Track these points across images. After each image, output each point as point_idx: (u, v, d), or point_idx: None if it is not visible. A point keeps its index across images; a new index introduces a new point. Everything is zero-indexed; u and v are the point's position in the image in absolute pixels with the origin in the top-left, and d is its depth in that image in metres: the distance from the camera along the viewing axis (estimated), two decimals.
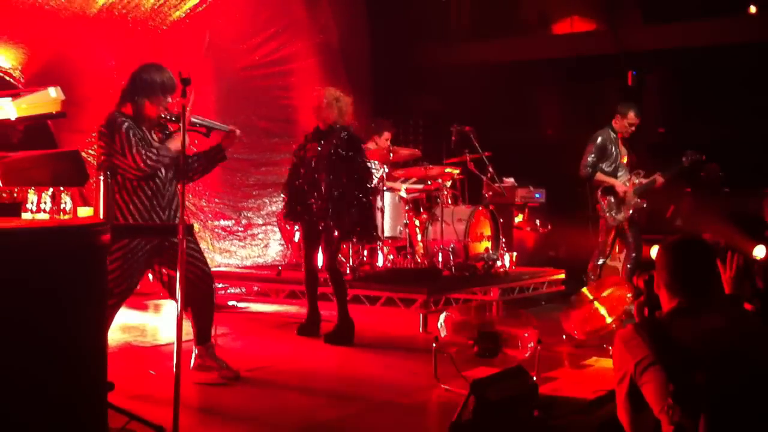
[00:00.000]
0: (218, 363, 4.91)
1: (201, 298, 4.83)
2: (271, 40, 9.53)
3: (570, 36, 11.68)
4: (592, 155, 7.51)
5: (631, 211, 7.55)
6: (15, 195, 3.61)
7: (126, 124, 4.53)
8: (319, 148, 6.15)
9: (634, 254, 7.63)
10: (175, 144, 4.62)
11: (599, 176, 7.53)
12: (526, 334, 5.05)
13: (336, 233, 6.10)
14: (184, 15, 8.46)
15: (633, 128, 7.61)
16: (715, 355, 2.57)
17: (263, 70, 9.42)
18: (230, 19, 8.84)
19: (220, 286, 7.92)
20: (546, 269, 8.60)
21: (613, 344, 2.84)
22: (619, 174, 7.60)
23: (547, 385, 4.79)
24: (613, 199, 7.53)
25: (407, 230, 7.87)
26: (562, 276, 8.55)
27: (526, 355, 4.94)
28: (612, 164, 7.57)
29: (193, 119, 4.71)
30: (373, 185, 6.70)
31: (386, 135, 7.93)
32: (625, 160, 7.65)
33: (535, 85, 11.39)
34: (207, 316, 4.90)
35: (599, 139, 7.53)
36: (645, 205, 7.62)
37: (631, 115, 7.54)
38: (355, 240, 6.68)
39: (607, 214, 7.52)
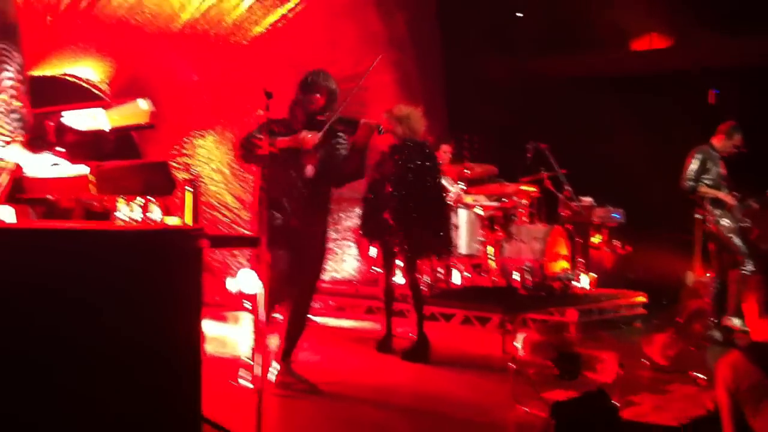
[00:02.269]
0: (296, 377, 4.95)
1: (298, 314, 4.90)
2: (348, 55, 9.58)
3: (648, 53, 11.48)
4: (694, 169, 7.36)
5: (738, 225, 7.39)
6: (105, 204, 3.68)
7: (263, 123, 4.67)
8: (393, 164, 6.15)
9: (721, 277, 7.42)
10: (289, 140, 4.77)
11: (703, 189, 7.37)
12: (606, 357, 4.93)
13: (411, 250, 6.08)
14: (264, 30, 8.58)
15: (736, 150, 7.48)
16: None
17: (340, 85, 9.47)
18: (309, 34, 8.93)
19: None
20: (626, 291, 8.41)
21: (718, 368, 2.78)
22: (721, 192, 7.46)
23: (629, 410, 4.64)
24: (720, 212, 7.37)
25: (483, 248, 7.80)
26: (643, 299, 8.35)
27: (607, 378, 4.82)
28: (711, 182, 7.40)
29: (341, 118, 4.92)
30: (447, 201, 6.66)
31: (444, 148, 7.89)
32: (725, 180, 7.49)
33: (613, 101, 11.21)
34: (298, 332, 4.97)
35: (699, 155, 7.40)
36: (749, 225, 7.45)
37: (738, 137, 7.47)
38: (430, 256, 6.65)
39: (719, 223, 7.33)
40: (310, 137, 4.80)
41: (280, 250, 4.71)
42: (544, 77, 11.21)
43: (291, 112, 4.98)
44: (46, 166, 3.40)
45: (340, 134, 5.00)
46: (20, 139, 3.37)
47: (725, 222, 7.33)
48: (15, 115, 3.36)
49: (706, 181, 7.40)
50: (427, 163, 6.16)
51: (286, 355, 4.94)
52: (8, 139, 3.32)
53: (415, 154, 6.11)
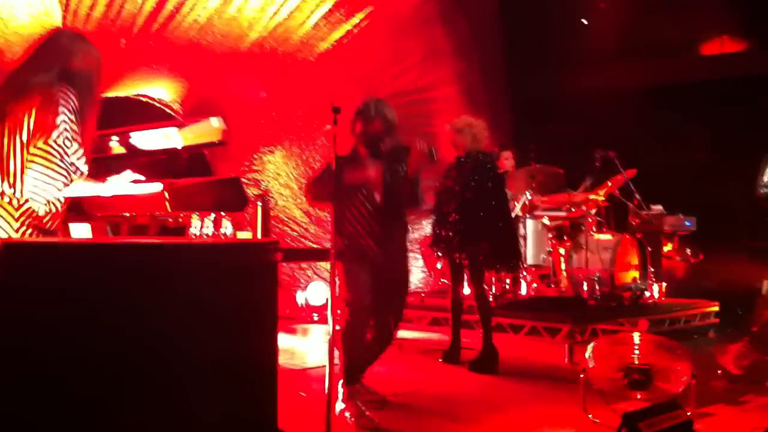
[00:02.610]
0: (365, 388, 4.98)
1: (383, 334, 4.95)
2: (414, 68, 9.65)
3: (720, 57, 11.25)
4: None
5: None
6: (180, 220, 3.81)
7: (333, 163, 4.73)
8: (456, 176, 6.16)
9: None
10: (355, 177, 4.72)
11: None
12: (679, 368, 4.84)
13: (474, 261, 6.08)
14: (330, 47, 8.71)
15: None
16: None
17: (406, 98, 9.54)
18: (374, 48, 9.03)
19: None
20: (698, 301, 8.24)
21: None
22: None
23: (702, 422, 4.58)
24: None
25: (551, 258, 7.75)
26: (716, 308, 8.17)
27: (680, 389, 4.74)
28: None
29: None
30: (510, 213, 6.63)
31: (504, 155, 7.86)
32: None
33: (683, 108, 11.01)
34: (380, 351, 5.01)
35: None
36: None
37: None
38: (495, 269, 6.64)
39: None
40: (374, 172, 4.81)
41: (362, 278, 4.75)
42: (611, 85, 11.07)
43: (353, 148, 4.93)
44: (119, 186, 3.51)
45: (402, 159, 5.01)
46: (78, 178, 3.45)
47: None
48: (73, 157, 3.44)
49: None
50: (491, 174, 6.16)
51: (361, 370, 4.96)
52: (65, 180, 3.41)
53: (479, 165, 6.11)
